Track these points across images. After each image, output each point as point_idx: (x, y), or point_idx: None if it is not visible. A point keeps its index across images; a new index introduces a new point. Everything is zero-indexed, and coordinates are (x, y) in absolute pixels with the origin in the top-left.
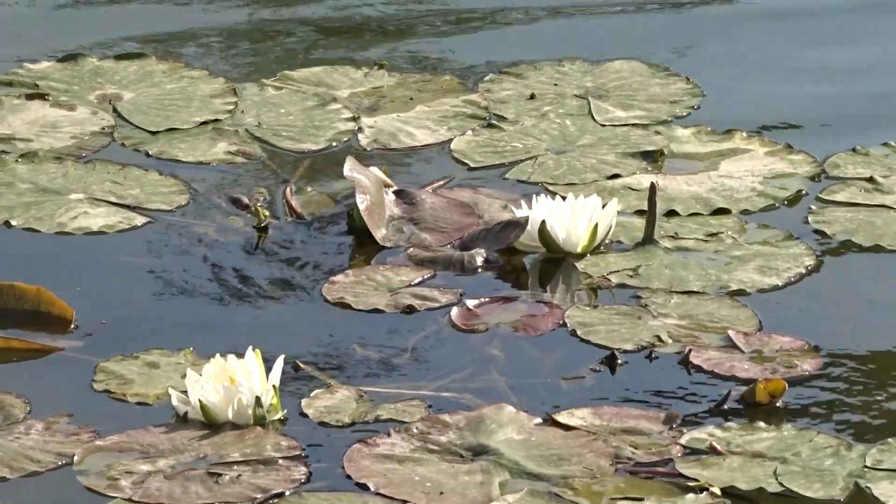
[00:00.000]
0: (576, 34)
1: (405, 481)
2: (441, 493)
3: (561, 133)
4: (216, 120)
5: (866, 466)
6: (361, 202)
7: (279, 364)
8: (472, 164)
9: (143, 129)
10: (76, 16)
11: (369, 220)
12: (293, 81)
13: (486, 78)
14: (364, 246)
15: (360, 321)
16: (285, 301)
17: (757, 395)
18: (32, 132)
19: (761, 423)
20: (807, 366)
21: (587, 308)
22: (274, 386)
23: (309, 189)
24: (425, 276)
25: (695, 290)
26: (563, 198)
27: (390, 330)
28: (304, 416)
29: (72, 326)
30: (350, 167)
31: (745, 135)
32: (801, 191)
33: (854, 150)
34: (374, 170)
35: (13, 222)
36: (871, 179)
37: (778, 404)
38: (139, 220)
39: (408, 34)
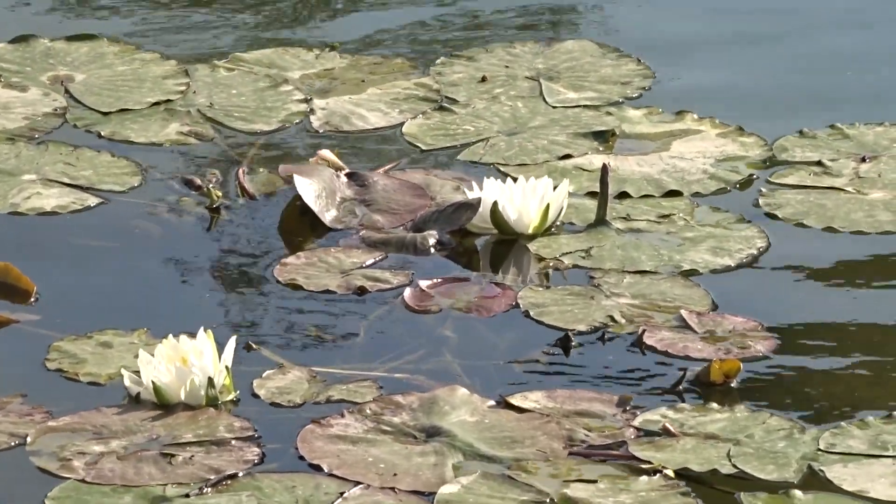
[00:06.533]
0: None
1: (359, 462)
2: (395, 474)
3: (512, 115)
4: (168, 101)
5: (819, 449)
6: (307, 192)
7: (231, 345)
8: (423, 147)
9: (95, 111)
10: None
11: (316, 206)
12: (245, 63)
13: (438, 61)
14: (316, 228)
15: (312, 302)
16: (237, 282)
17: (711, 374)
18: None
19: (714, 405)
20: (760, 347)
21: (540, 289)
22: (227, 367)
23: (261, 170)
24: (377, 258)
25: (647, 269)
26: (515, 179)
27: (342, 311)
28: (256, 396)
29: (32, 300)
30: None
31: (696, 116)
32: (752, 174)
33: (801, 132)
34: (326, 152)
35: None
36: (819, 163)
37: (732, 384)
38: (92, 200)
39: (358, 15)
